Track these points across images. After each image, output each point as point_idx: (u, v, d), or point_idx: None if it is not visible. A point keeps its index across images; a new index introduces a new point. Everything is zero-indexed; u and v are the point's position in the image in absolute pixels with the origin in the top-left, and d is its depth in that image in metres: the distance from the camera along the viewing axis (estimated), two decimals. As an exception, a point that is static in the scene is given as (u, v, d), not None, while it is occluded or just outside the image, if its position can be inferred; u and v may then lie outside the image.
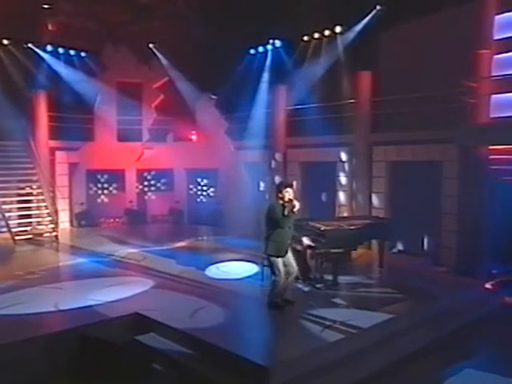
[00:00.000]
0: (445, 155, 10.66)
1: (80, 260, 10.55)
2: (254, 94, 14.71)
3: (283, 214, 6.87)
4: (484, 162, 9.90)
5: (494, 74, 10.17)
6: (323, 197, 13.72)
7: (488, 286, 9.16)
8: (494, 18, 10.37)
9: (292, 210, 6.88)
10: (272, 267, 7.06)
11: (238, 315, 7.22)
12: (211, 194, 16.80)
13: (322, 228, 8.37)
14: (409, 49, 11.80)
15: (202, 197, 16.99)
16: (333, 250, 8.16)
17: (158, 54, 16.02)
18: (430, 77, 11.14)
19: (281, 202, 6.95)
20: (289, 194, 6.95)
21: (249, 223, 14.43)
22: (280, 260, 6.99)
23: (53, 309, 7.22)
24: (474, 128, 9.99)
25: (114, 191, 16.29)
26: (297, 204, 6.90)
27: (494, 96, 10.13)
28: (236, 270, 9.79)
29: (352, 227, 8.70)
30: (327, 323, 6.64)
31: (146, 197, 16.86)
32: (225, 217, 15.22)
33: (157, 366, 6.17)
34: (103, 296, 7.82)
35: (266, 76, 14.74)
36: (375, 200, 12.01)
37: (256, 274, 9.31)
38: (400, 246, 11.84)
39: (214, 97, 15.82)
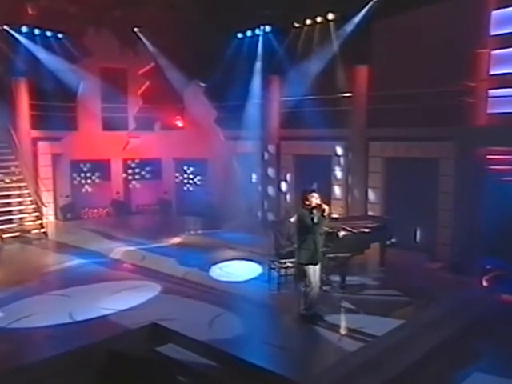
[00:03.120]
0: (441, 153, 11.22)
1: (77, 261, 10.76)
2: (245, 83, 14.87)
3: (313, 221, 7.14)
4: (481, 161, 10.53)
5: (491, 70, 10.71)
6: (314, 186, 14.19)
7: (484, 283, 9.87)
8: (491, 13, 10.87)
9: (322, 215, 7.15)
10: (303, 277, 7.32)
11: (255, 324, 7.63)
12: (198, 183, 17.09)
13: (330, 231, 8.72)
14: (406, 43, 12.15)
15: (188, 185, 17.25)
16: (341, 255, 8.65)
17: (143, 38, 15.94)
18: (428, 72, 11.54)
19: (308, 208, 7.20)
20: (315, 198, 7.21)
21: (240, 215, 14.89)
22: (312, 269, 7.28)
23: (69, 320, 7.50)
24: (472, 129, 10.57)
25: (100, 182, 16.38)
26: (326, 208, 7.16)
27: (491, 92, 10.71)
28: (240, 270, 10.19)
29: (360, 230, 9.15)
30: (342, 331, 7.18)
31: (132, 187, 17.02)
32: (215, 208, 15.54)
33: (182, 379, 6.57)
34: (115, 304, 8.15)
35: (257, 65, 14.90)
36: (371, 195, 12.56)
37: (261, 275, 9.78)
38: (393, 239, 12.45)
39: (202, 84, 15.92)
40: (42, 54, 14.79)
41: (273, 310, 8.08)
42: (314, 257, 7.30)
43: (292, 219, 9.01)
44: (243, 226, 13.91)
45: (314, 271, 7.35)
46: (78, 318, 7.56)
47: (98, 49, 15.50)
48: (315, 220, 7.16)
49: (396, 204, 12.08)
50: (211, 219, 15.05)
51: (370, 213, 12.45)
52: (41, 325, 7.30)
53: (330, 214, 7.45)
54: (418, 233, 12.10)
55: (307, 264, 7.31)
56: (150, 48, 15.90)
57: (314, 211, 7.20)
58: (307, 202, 7.23)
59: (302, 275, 7.43)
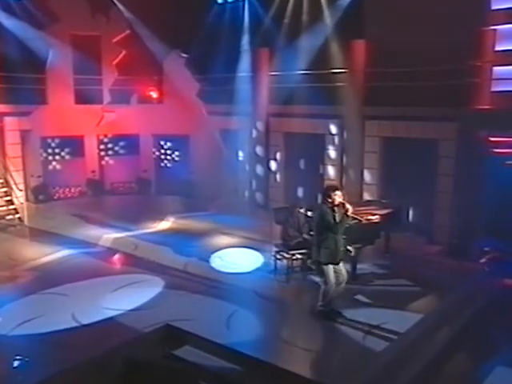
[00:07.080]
0: (441, 133, 11.32)
1: (65, 252, 10.43)
2: (231, 54, 14.42)
3: (335, 220, 7.12)
4: (483, 143, 10.72)
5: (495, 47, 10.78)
6: (301, 164, 14.21)
7: (486, 267, 10.20)
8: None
9: (346, 214, 7.11)
10: (322, 275, 7.32)
11: (273, 323, 7.55)
12: (176, 159, 16.77)
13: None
14: (406, 16, 12.00)
15: (166, 161, 16.89)
16: (353, 246, 8.68)
17: (116, 2, 15.14)
18: (428, 49, 11.47)
19: (330, 205, 7.15)
20: (339, 196, 7.13)
21: (225, 195, 14.75)
22: (332, 268, 7.27)
23: (74, 323, 7.26)
24: (475, 110, 10.68)
25: (73, 160, 15.81)
26: (349, 208, 7.10)
27: (495, 70, 10.80)
28: (241, 260, 10.15)
29: (373, 220, 9.17)
30: (365, 328, 7.26)
31: (106, 164, 16.51)
32: (197, 188, 15.29)
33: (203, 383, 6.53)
34: (119, 303, 7.96)
35: (244, 35, 14.47)
36: (367, 176, 12.60)
37: (264, 264, 9.77)
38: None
39: (184, 55, 15.39)
40: (3, 19, 13.88)
41: (287, 305, 8.07)
42: (335, 256, 7.27)
43: (302, 210, 8.97)
44: (229, 207, 13.80)
45: (337, 268, 7.37)
46: (84, 321, 7.34)
47: (67, 13, 14.71)
48: (337, 219, 7.16)
49: (393, 185, 12.18)
50: (194, 199, 14.84)
51: (365, 194, 12.57)
52: (45, 330, 7.02)
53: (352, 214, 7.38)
54: (411, 212, 12.34)
55: (327, 263, 7.30)
56: (125, 13, 15.14)
57: (336, 209, 7.18)
58: (330, 200, 7.17)
59: (320, 274, 7.42)
